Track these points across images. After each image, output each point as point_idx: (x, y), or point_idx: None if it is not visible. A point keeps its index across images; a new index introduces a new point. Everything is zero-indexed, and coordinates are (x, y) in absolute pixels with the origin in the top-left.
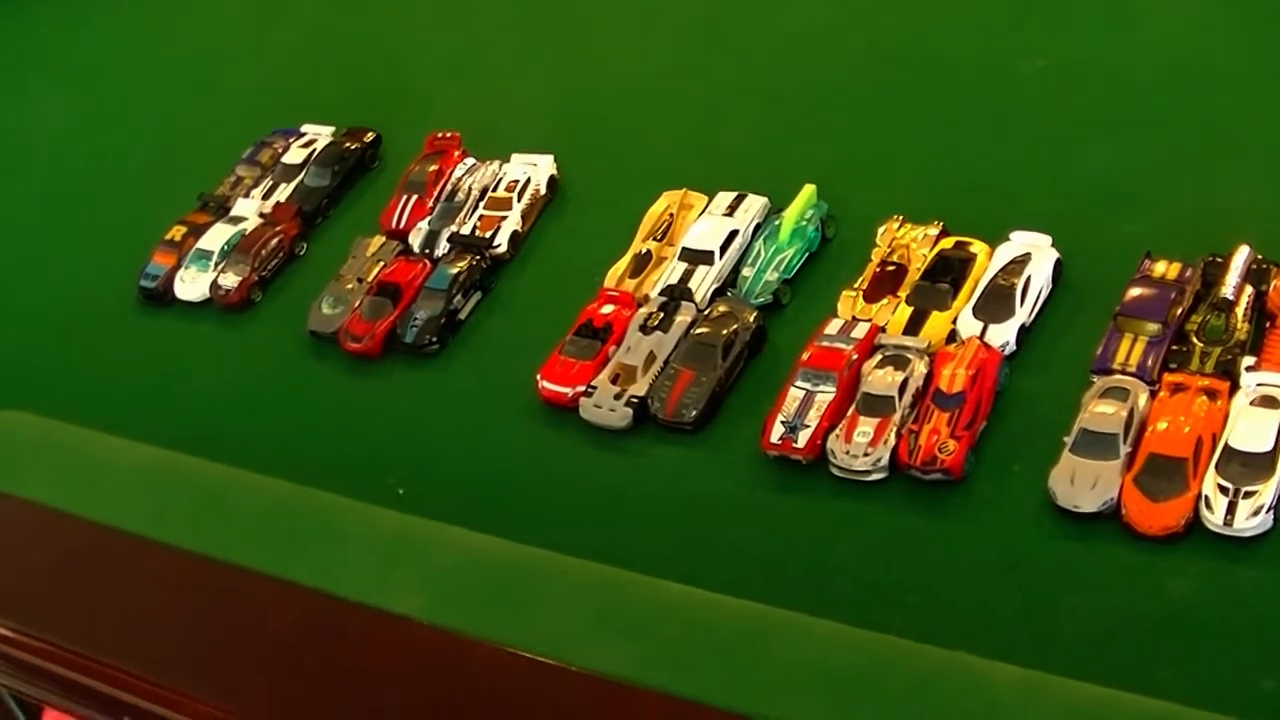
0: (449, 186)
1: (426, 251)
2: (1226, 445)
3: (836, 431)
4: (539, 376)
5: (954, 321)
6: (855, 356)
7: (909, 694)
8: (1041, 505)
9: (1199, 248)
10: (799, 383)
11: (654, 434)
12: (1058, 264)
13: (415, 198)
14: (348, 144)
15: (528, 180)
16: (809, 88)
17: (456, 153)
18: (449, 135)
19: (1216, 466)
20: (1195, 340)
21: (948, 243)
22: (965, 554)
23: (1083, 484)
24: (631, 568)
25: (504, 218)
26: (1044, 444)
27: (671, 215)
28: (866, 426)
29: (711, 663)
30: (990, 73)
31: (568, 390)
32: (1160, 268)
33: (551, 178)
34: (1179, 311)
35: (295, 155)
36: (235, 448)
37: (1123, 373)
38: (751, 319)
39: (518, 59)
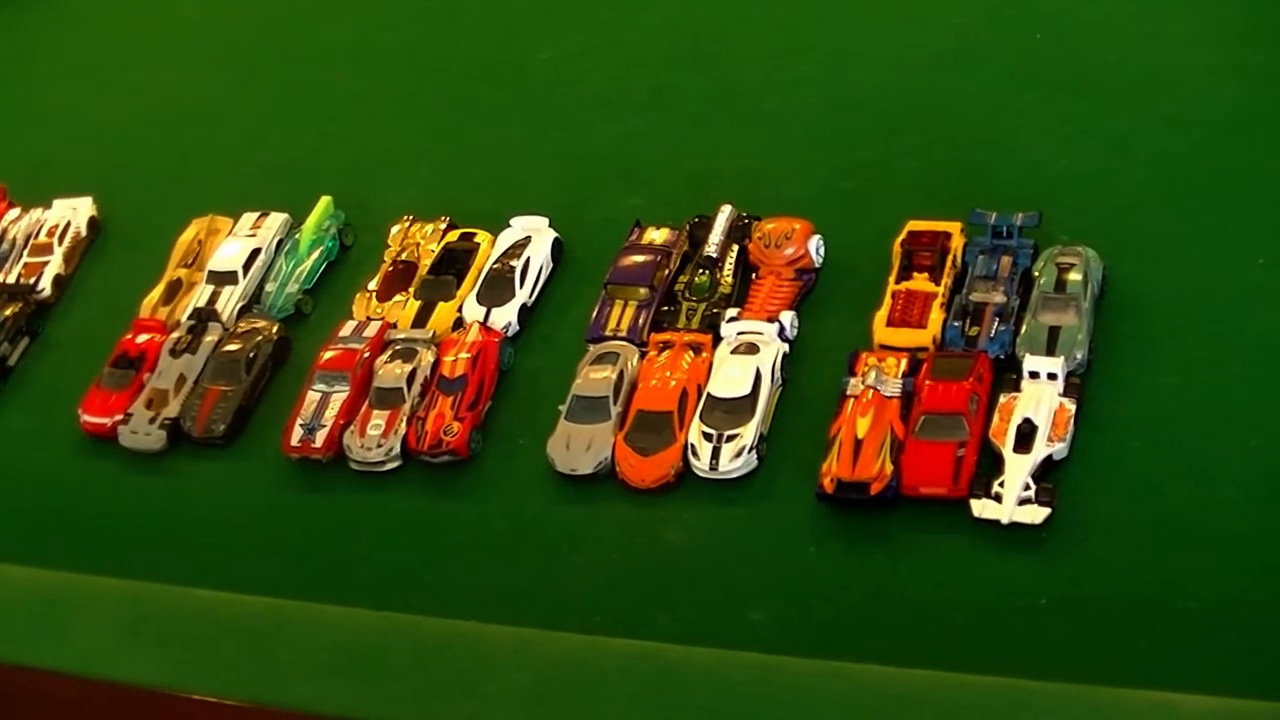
0: None
1: None
2: (708, 394)
3: (351, 427)
4: (80, 410)
5: (460, 310)
6: (367, 354)
7: (412, 664)
8: (545, 474)
9: (692, 212)
10: (315, 385)
11: (189, 452)
12: (557, 243)
13: None
14: None
15: (68, 224)
16: (335, 102)
17: (3, 204)
18: None
19: (700, 415)
20: (683, 299)
21: (454, 236)
22: (478, 529)
23: (578, 448)
24: (174, 580)
25: (46, 262)
26: (547, 416)
27: (200, 241)
28: (378, 419)
29: (235, 659)
30: (501, 70)
31: (106, 420)
32: (650, 234)
33: (91, 218)
34: (665, 274)
35: None
36: None
37: (614, 338)
38: (274, 331)
39: (60, 103)
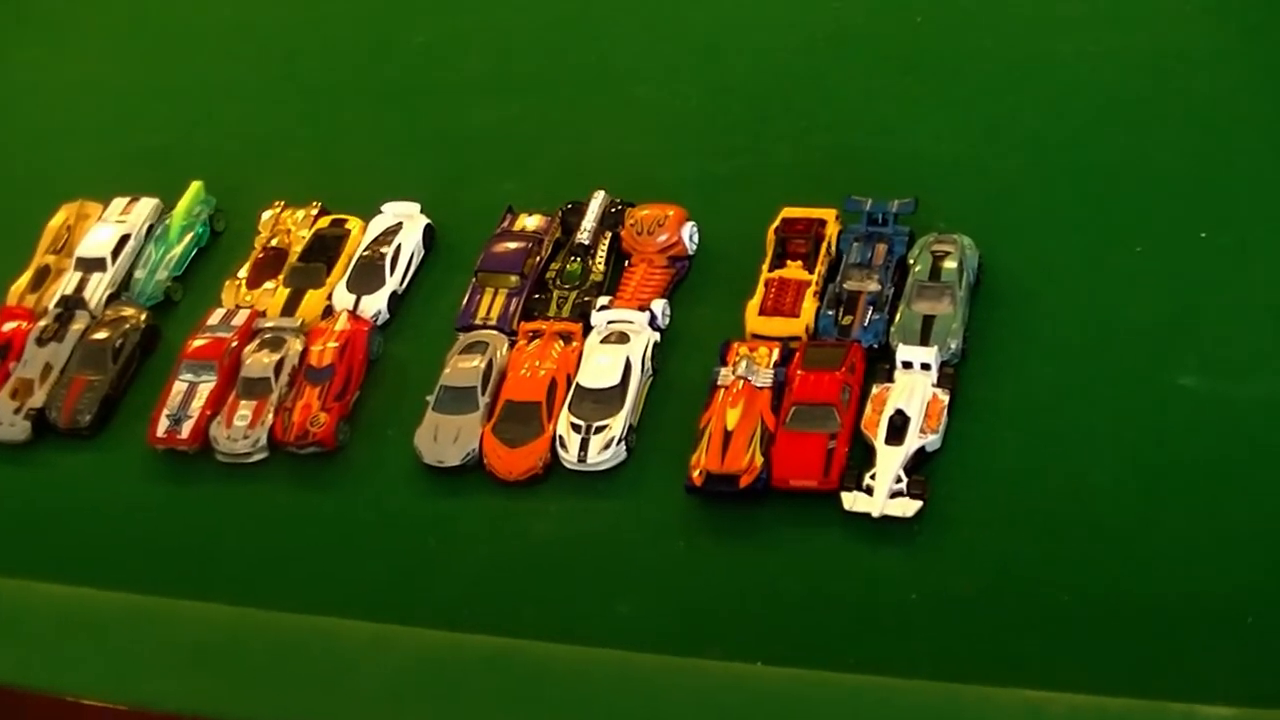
0: None
1: None
2: (577, 384)
3: (218, 418)
4: None
5: (329, 297)
6: (235, 343)
7: (271, 660)
8: (413, 466)
9: (566, 198)
10: (183, 375)
11: (55, 443)
12: (429, 230)
13: None
14: None
15: None
16: (207, 85)
17: None
18: None
19: (569, 406)
20: (554, 287)
21: (325, 222)
22: (344, 522)
23: (445, 439)
24: (33, 575)
25: None
26: (416, 406)
27: (69, 227)
28: (245, 410)
29: (87, 655)
30: (375, 54)
31: None
32: (523, 221)
33: None
34: (536, 261)
35: None
36: None
37: (483, 326)
38: (142, 319)
39: None
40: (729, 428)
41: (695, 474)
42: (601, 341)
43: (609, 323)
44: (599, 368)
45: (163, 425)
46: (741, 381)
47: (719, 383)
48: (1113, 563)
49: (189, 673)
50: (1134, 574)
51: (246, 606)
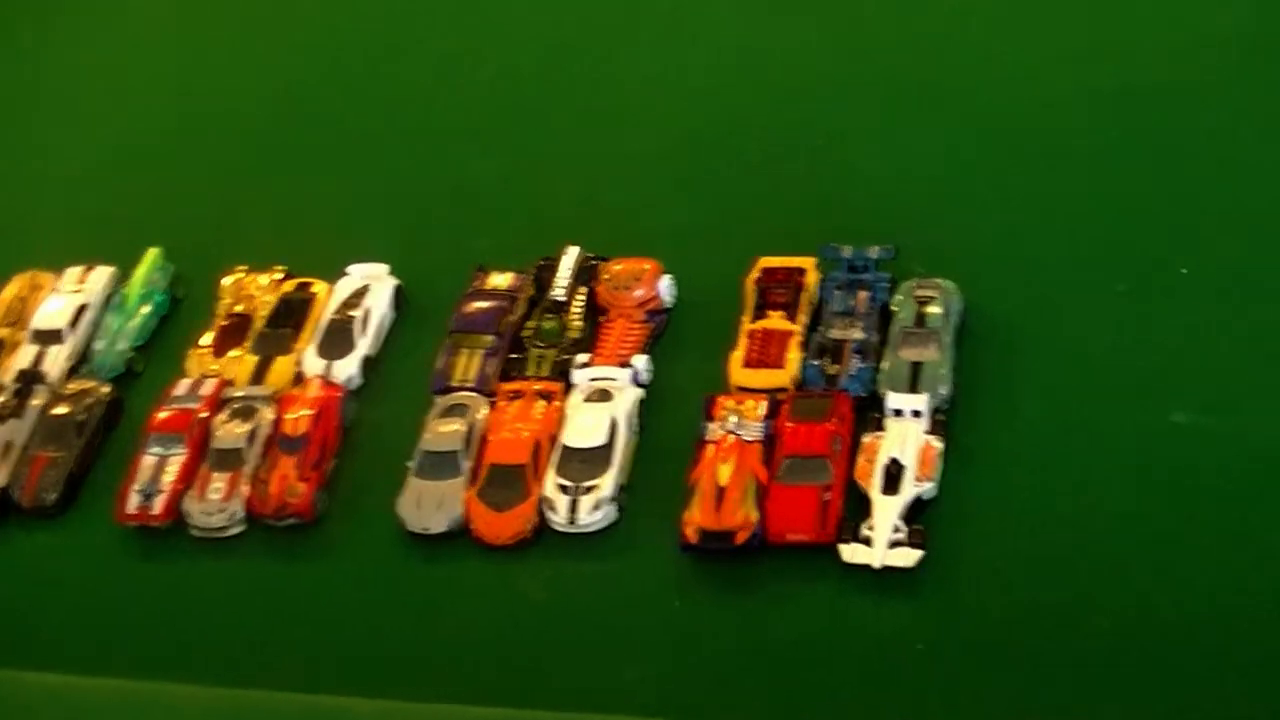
0: None
1: None
2: (563, 444)
3: (191, 491)
4: None
5: (299, 364)
6: (203, 413)
7: None
8: (395, 534)
9: (538, 253)
10: (151, 449)
11: (19, 523)
12: (398, 290)
13: None
14: None
15: None
16: (162, 149)
17: None
18: None
19: (556, 467)
20: (531, 345)
21: (290, 286)
22: (327, 595)
23: (429, 506)
24: (4, 664)
25: None
26: (395, 473)
27: (23, 299)
28: (219, 482)
29: None
30: (336, 110)
31: None
32: (494, 279)
33: None
34: (512, 320)
35: None
36: None
37: (461, 389)
38: (105, 392)
39: None
40: (721, 483)
41: (689, 531)
42: (585, 400)
43: (591, 380)
44: (584, 427)
45: (133, 501)
46: (731, 436)
47: (707, 438)
48: (1118, 600)
49: None
50: (1138, 617)
51: (229, 688)
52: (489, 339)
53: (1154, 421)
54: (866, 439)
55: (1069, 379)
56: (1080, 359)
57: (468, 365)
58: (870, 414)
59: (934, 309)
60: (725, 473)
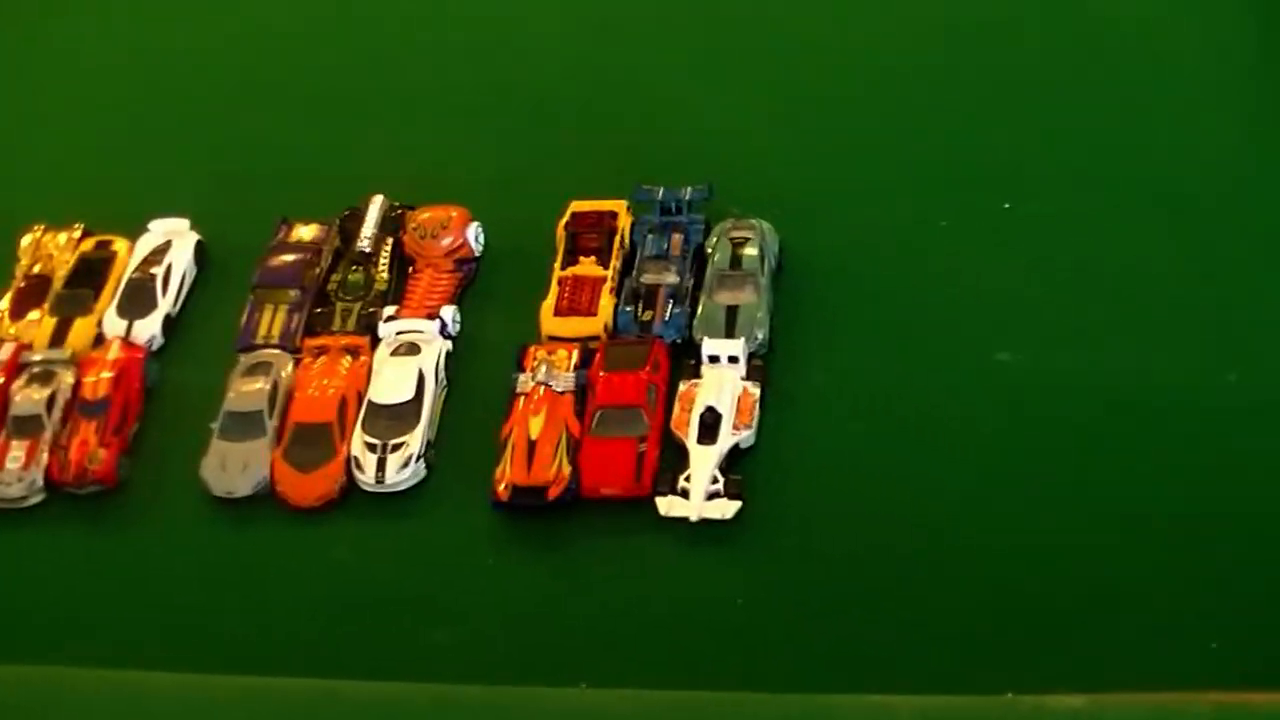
0: None
1: None
2: (369, 401)
3: None
4: None
5: (99, 324)
6: (2, 379)
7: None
8: (202, 498)
9: (343, 205)
10: None
11: None
12: (200, 246)
13: None
14: None
15: None
16: None
17: None
18: None
19: (363, 424)
20: (337, 299)
21: (89, 244)
22: (132, 563)
23: (234, 468)
24: None
25: None
26: (200, 435)
27: None
28: (18, 450)
29: None
30: (140, 59)
31: None
32: (298, 231)
33: None
34: (316, 273)
35: None
36: None
37: (265, 346)
38: None
39: None
40: (533, 437)
41: (501, 488)
42: (391, 354)
43: (397, 333)
44: (391, 382)
45: None
46: (542, 388)
47: (518, 390)
48: (942, 550)
49: None
50: (964, 561)
51: (31, 664)
52: (293, 293)
53: (978, 360)
54: (683, 387)
55: (890, 319)
56: (902, 298)
57: (272, 321)
58: (686, 361)
59: (749, 250)
60: (536, 426)
